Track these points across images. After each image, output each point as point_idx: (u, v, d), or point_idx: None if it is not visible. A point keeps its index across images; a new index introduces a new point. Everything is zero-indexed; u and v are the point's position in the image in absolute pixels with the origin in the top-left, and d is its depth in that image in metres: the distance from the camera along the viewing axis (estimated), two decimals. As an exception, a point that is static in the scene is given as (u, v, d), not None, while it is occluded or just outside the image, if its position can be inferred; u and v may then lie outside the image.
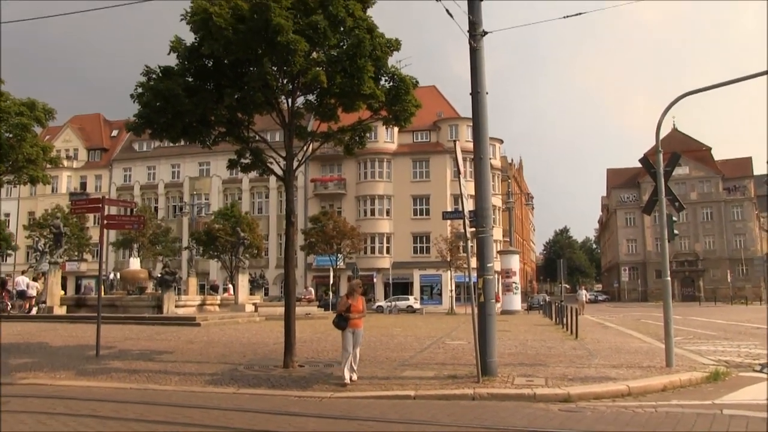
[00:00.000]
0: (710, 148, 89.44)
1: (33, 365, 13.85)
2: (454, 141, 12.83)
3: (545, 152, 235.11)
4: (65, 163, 70.69)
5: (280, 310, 22.65)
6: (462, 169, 12.38)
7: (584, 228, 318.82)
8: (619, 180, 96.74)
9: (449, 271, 53.27)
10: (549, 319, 33.87)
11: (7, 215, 73.48)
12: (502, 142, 69.37)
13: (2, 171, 21.52)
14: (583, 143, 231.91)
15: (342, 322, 11.21)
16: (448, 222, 52.99)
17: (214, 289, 44.71)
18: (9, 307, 31.26)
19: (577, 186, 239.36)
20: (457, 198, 58.93)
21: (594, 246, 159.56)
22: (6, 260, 68.67)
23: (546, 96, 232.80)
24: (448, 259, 51.33)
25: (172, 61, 13.78)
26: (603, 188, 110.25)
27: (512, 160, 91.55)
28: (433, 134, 65.12)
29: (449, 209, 54.34)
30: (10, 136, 21.42)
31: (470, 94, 12.43)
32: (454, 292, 55.11)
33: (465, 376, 11.60)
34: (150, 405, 9.73)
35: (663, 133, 14.13)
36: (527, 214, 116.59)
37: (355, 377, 11.29)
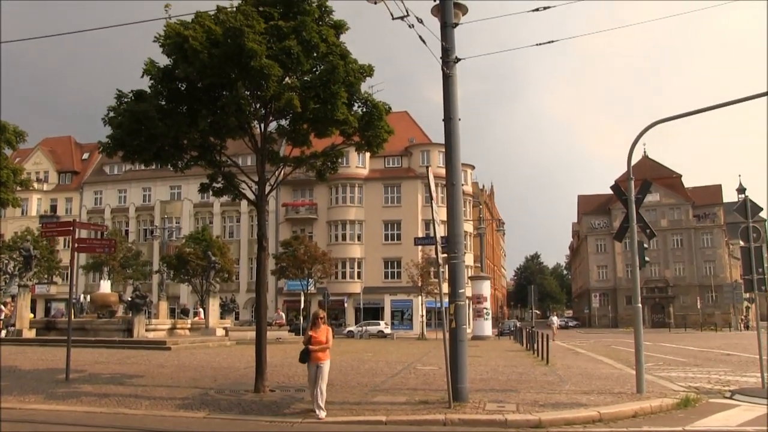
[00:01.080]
0: (680, 176, 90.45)
1: (4, 389, 13.58)
2: (427, 167, 12.99)
3: (517, 178, 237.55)
4: (35, 185, 69.82)
5: (251, 334, 22.49)
6: (434, 194, 12.49)
7: (555, 254, 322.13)
8: (590, 206, 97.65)
9: (420, 297, 53.34)
10: (520, 344, 34.01)
11: (-25, 237, 72.09)
12: (473, 167, 69.95)
13: (-29, 194, 21.19)
14: (555, 169, 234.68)
15: (303, 355, 10.81)
16: (420, 247, 53.15)
17: (185, 313, 44.30)
18: (-22, 329, 30.72)
19: (548, 212, 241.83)
20: (429, 223, 59.08)
21: (565, 272, 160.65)
22: (-28, 283, 67.23)
23: (519, 122, 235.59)
24: (419, 285, 51.40)
25: (143, 84, 13.80)
26: (574, 214, 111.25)
27: (484, 186, 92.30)
28: (405, 159, 65.43)
29: (421, 234, 54.68)
30: (-20, 159, 21.16)
31: (443, 120, 12.60)
32: (425, 317, 55.15)
33: (436, 402, 11.62)
34: (121, 429, 9.63)
35: (634, 160, 14.39)
36: (498, 240, 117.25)
37: (322, 415, 10.43)
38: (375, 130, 14.19)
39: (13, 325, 29.47)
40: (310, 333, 10.81)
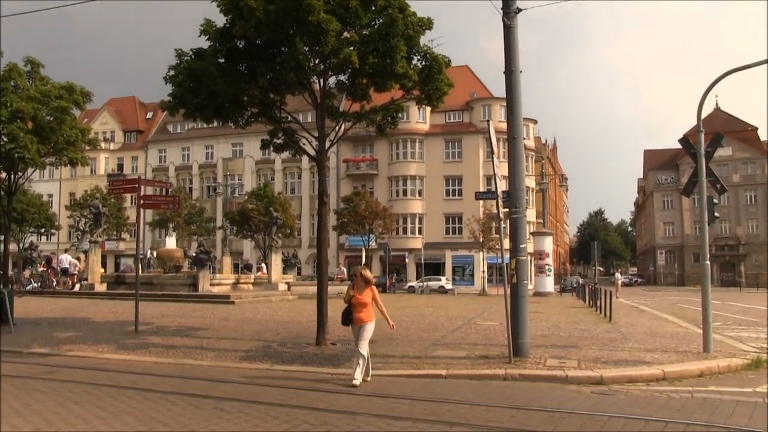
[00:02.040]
0: (756, 129, 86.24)
1: (77, 339, 14.34)
2: (488, 121, 12.75)
3: (581, 133, 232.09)
4: (103, 145, 71.75)
5: (313, 289, 22.82)
6: (495, 149, 12.29)
7: (619, 210, 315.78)
8: (656, 161, 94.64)
9: (481, 252, 53.16)
10: (582, 301, 33.62)
11: (50, 196, 74.94)
12: (536, 122, 68.66)
13: (44, 153, 21.90)
14: (621, 123, 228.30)
15: (345, 316, 9.97)
16: (481, 203, 52.84)
17: (248, 268, 45.19)
18: (54, 283, 32.19)
19: (613, 167, 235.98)
20: (490, 179, 58.56)
21: (629, 229, 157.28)
22: (50, 239, 70.11)
23: (582, 75, 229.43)
24: (481, 240, 51.16)
25: (203, 43, 13.90)
26: (640, 170, 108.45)
27: (546, 141, 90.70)
28: (465, 114, 64.68)
29: (482, 190, 54.16)
30: (51, 119, 21.78)
31: (504, 73, 12.32)
32: (486, 273, 54.99)
33: (496, 357, 11.60)
34: (187, 379, 9.94)
35: (705, 113, 13.79)
36: (561, 196, 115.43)
37: (356, 380, 9.46)
38: (435, 84, 14.00)
39: (86, 279, 30.68)
40: (351, 292, 9.90)
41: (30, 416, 7.37)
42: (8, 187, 21.64)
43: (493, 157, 11.86)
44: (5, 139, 20.62)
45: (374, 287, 10.11)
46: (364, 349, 9.63)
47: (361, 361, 9.58)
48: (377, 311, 10.10)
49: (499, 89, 62.86)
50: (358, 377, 9.50)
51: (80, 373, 10.45)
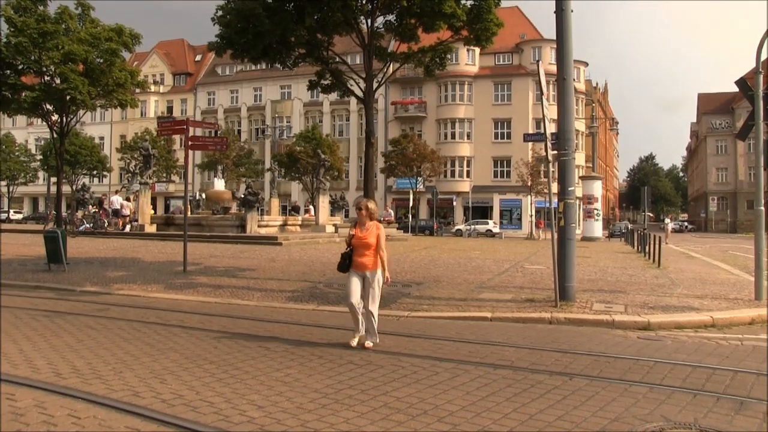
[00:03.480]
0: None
1: (128, 278, 14.73)
2: (537, 62, 12.38)
3: (632, 76, 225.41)
4: (152, 87, 72.54)
5: (360, 231, 22.95)
6: (545, 91, 11.95)
7: (671, 155, 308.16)
8: (711, 105, 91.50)
9: (530, 196, 52.70)
10: (631, 247, 33.13)
11: (101, 138, 76.53)
12: (587, 65, 66.84)
13: (94, 95, 22.20)
14: (674, 66, 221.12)
15: (343, 261, 8.17)
16: (530, 146, 52.08)
17: (295, 210, 45.62)
18: (105, 224, 33.04)
19: (665, 111, 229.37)
20: (539, 122, 57.54)
21: (681, 174, 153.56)
22: (101, 181, 71.83)
23: (635, 16, 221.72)
24: (529, 184, 50.67)
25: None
26: (693, 114, 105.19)
27: (597, 84, 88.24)
28: (515, 56, 63.27)
29: (529, 133, 53.32)
30: (101, 61, 22.02)
31: (554, 12, 11.90)
32: (534, 217, 54.53)
33: (542, 301, 11.53)
34: (233, 318, 10.12)
35: (765, 54, 13.14)
36: (611, 140, 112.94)
37: (369, 343, 8.00)
38: (484, 24, 13.71)
39: (136, 220, 31.41)
40: (352, 231, 8.19)
41: (82, 351, 7.61)
42: (60, 129, 22.05)
43: (542, 99, 11.55)
44: (57, 81, 20.92)
45: (381, 226, 8.28)
46: (374, 307, 7.93)
47: (362, 319, 8.04)
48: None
49: (550, 31, 61.28)
50: (355, 337, 8.10)
51: (130, 311, 10.74)
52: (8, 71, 20.67)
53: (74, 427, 5.00)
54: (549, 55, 57.39)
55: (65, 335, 8.57)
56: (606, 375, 6.71)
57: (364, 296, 7.96)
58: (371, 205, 8.25)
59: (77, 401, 5.61)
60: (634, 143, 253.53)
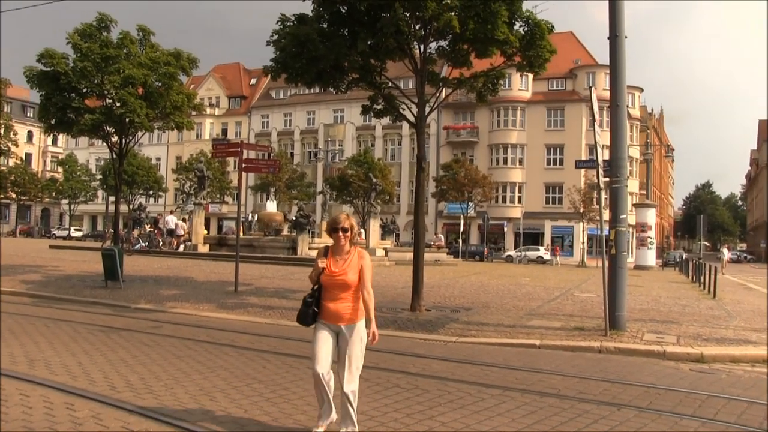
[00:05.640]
0: None
1: (180, 297, 15.04)
2: (590, 88, 12.33)
3: (689, 102, 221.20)
4: (208, 110, 74.25)
5: (410, 255, 22.89)
6: (597, 117, 11.86)
7: (729, 184, 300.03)
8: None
9: (582, 223, 52.03)
10: (685, 276, 32.39)
11: (158, 159, 78.53)
12: (642, 90, 65.83)
13: (152, 117, 22.81)
14: (734, 92, 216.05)
15: (303, 311, 5.37)
16: (582, 172, 51.50)
17: (346, 233, 45.82)
18: (160, 243, 33.82)
19: (723, 139, 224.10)
20: (592, 148, 57.10)
21: (740, 203, 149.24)
22: (157, 201, 73.54)
23: (692, 41, 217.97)
24: (581, 211, 50.04)
25: (306, 9, 14.05)
26: (753, 141, 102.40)
27: (652, 110, 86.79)
28: (569, 82, 62.82)
29: (581, 159, 52.68)
30: (159, 84, 22.61)
31: (608, 38, 11.84)
32: (586, 244, 53.79)
33: (592, 329, 11.36)
34: (282, 339, 10.24)
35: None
36: (666, 167, 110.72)
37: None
38: (537, 50, 13.66)
39: (190, 240, 32.05)
40: (321, 263, 5.28)
41: (135, 366, 7.82)
42: (119, 150, 22.70)
43: (594, 125, 11.47)
44: (117, 104, 21.58)
45: (365, 253, 5.43)
46: (351, 384, 5.15)
47: (339, 403, 5.23)
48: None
49: (605, 56, 60.71)
50: (325, 426, 5.30)
51: (182, 329, 10.97)
52: (73, 95, 21.39)
53: (127, 439, 5.17)
54: (603, 81, 56.73)
55: (120, 350, 8.81)
56: (656, 407, 6.57)
57: (339, 364, 5.22)
58: (349, 221, 5.32)
59: (131, 414, 5.81)
60: (691, 170, 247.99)
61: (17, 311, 12.60)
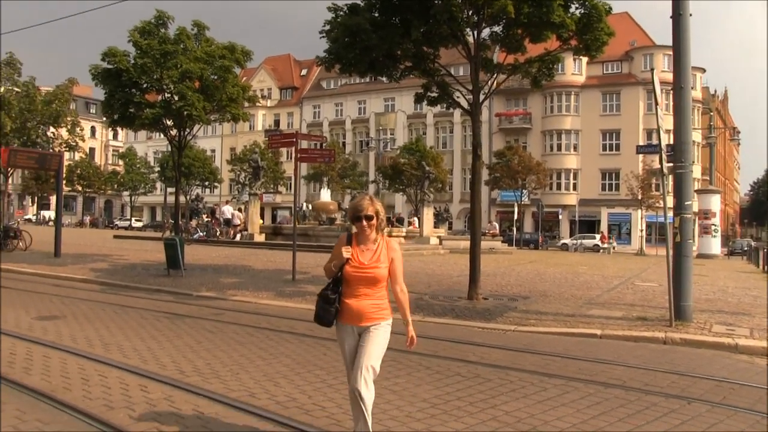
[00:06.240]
0: None
1: (240, 285, 15.30)
2: (652, 70, 11.99)
3: (756, 82, 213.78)
4: (261, 101, 75.08)
5: (464, 243, 22.86)
6: (660, 100, 11.55)
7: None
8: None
9: (640, 210, 50.91)
10: (754, 266, 31.38)
11: (213, 151, 79.94)
12: (704, 71, 63.81)
13: (209, 110, 23.25)
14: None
15: (322, 305, 4.71)
16: (640, 158, 50.40)
17: (400, 221, 45.95)
18: (217, 233, 34.49)
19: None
20: (651, 132, 55.71)
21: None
22: (213, 192, 74.91)
23: (758, 16, 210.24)
24: (639, 197, 48.98)
25: (357, -1, 14.06)
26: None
27: (716, 91, 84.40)
28: (625, 65, 61.38)
29: (641, 144, 51.57)
30: (215, 77, 22.99)
31: (671, 17, 11.49)
32: (644, 232, 52.66)
33: (655, 319, 11.10)
34: (341, 327, 10.30)
35: None
36: (731, 151, 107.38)
37: None
38: (594, 33, 13.38)
39: (246, 229, 32.58)
40: (346, 252, 4.55)
41: (201, 352, 8.02)
42: (178, 142, 23.18)
43: (656, 109, 11.17)
44: (176, 98, 22.04)
45: (394, 243, 4.71)
46: (366, 383, 4.41)
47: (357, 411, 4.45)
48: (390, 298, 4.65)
49: (661, 37, 59.27)
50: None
51: (243, 316, 11.16)
52: (134, 90, 21.95)
53: (198, 421, 5.38)
54: (662, 62, 55.49)
55: (185, 336, 9.04)
56: (731, 403, 6.33)
57: (358, 361, 4.49)
58: (378, 206, 4.60)
59: (200, 398, 6.00)
60: (759, 154, 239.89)
61: (89, 298, 13.12)
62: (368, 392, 4.41)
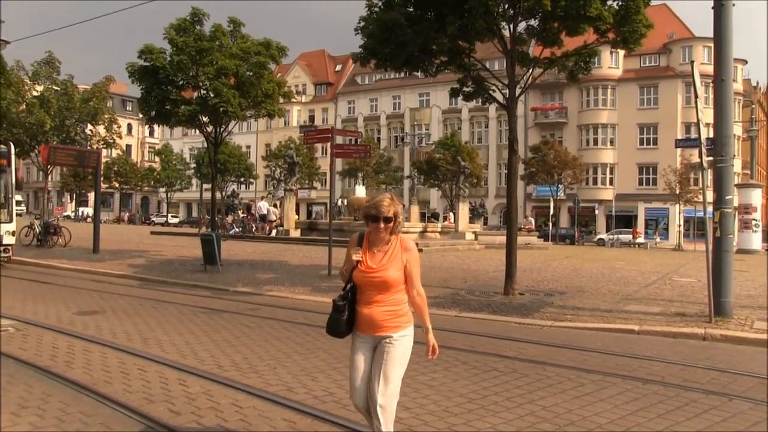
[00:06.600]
0: None
1: (276, 280, 15.43)
2: (692, 62, 11.78)
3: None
4: (296, 97, 75.47)
5: (500, 239, 22.75)
6: (700, 93, 11.35)
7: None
8: None
9: (678, 205, 50.11)
10: (798, 261, 30.57)
11: (248, 147, 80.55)
12: (745, 62, 62.23)
13: (245, 106, 23.42)
14: None
15: (335, 315, 4.23)
16: (678, 152, 49.59)
17: (435, 216, 45.94)
18: (253, 228, 34.81)
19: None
20: (689, 126, 54.68)
21: None
22: (248, 188, 75.58)
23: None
24: (677, 192, 48.20)
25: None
26: None
27: (757, 83, 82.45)
28: (662, 57, 60.31)
29: (680, 138, 50.67)
30: (251, 74, 23.14)
31: (712, 7, 11.26)
32: (682, 227, 51.80)
33: (694, 315, 10.94)
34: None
35: None
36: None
37: None
38: (632, 25, 13.18)
39: (282, 225, 32.84)
40: (356, 255, 4.13)
41: (238, 346, 8.11)
42: (214, 139, 23.41)
43: (696, 102, 10.98)
44: (211, 95, 22.25)
45: (410, 243, 4.26)
46: (381, 397, 4.01)
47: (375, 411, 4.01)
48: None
49: (701, 28, 58.16)
50: None
51: (279, 311, 11.26)
52: (170, 87, 22.21)
53: (237, 415, 5.45)
54: (702, 54, 54.48)
55: (223, 331, 9.16)
56: (776, 400, 6.19)
57: (372, 375, 4.12)
58: (398, 207, 4.13)
59: (238, 392, 6.09)
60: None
61: (127, 293, 13.34)
62: (391, 409, 4.03)
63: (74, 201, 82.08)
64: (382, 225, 4.03)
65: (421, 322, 4.24)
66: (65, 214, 75.57)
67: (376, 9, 14.06)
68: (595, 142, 61.16)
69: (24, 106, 32.73)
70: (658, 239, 51.99)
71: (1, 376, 6.44)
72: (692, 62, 11.93)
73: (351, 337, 4.23)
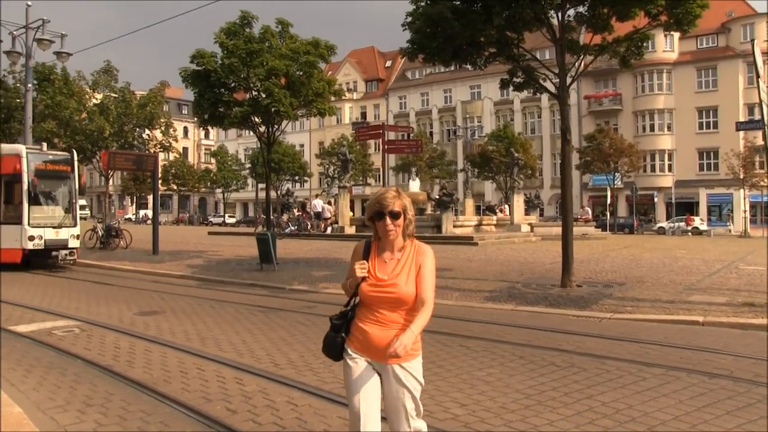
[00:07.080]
0: None
1: (332, 277, 15.52)
2: (752, 41, 11.38)
3: None
4: (347, 95, 75.74)
5: (556, 230, 22.38)
6: (761, 72, 10.96)
7: None
8: None
9: (742, 190, 48.54)
10: None
11: (301, 146, 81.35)
12: (811, 39, 60.07)
13: (296, 105, 23.63)
14: None
15: (332, 335, 3.63)
16: (741, 135, 48.04)
17: (490, 209, 45.49)
18: (309, 226, 35.15)
19: None
20: (752, 108, 52.80)
21: None
22: (303, 186, 76.33)
23: None
24: (742, 176, 46.70)
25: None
26: None
27: (822, 61, 79.22)
28: (721, 37, 58.32)
29: (742, 120, 49.06)
30: (301, 73, 23.34)
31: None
32: (748, 212, 50.17)
33: (764, 305, 10.52)
34: (433, 317, 10.27)
35: None
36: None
37: None
38: (685, 6, 12.77)
39: (337, 222, 33.03)
40: (359, 268, 3.53)
41: (294, 344, 8.16)
42: (267, 139, 23.69)
43: (758, 82, 10.61)
44: (263, 95, 22.52)
45: (427, 249, 3.59)
46: (418, 424, 3.48)
47: None
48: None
49: (762, 4, 56.03)
50: None
51: (335, 309, 11.22)
52: (222, 90, 22.57)
53: (293, 413, 5.47)
54: (764, 32, 52.45)
55: (279, 329, 9.24)
56: None
57: (387, 411, 3.50)
58: (406, 201, 3.58)
59: (294, 390, 6.12)
60: None
61: (186, 293, 13.61)
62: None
63: (134, 204, 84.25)
64: (388, 221, 3.43)
65: (412, 324, 3.35)
66: (126, 216, 77.56)
67: (422, 4, 13.98)
68: (652, 128, 59.63)
69: (85, 114, 33.75)
70: (731, 226, 50.36)
71: (1, 358, 6.65)
72: (753, 40, 11.53)
73: (346, 357, 3.52)
